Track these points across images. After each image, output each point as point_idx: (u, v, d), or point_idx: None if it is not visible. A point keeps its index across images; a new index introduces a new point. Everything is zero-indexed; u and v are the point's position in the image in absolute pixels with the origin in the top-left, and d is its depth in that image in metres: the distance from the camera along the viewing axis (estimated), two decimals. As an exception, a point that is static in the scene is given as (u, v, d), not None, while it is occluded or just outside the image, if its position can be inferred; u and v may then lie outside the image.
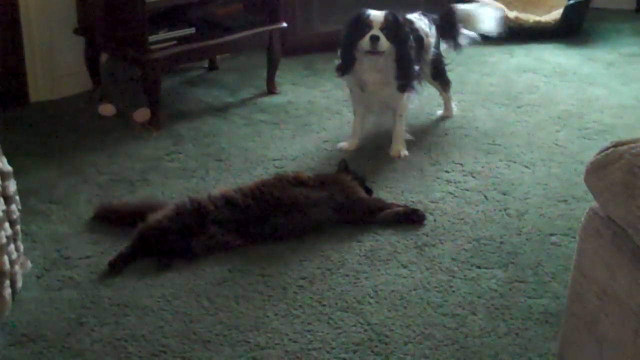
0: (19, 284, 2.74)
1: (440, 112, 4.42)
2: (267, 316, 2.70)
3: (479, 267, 2.99)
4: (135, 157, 3.90)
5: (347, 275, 2.93)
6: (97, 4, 4.29)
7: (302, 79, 5.02)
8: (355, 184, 3.37)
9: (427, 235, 3.20)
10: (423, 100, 4.32)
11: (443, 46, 4.25)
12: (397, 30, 3.76)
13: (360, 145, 4.02)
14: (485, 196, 3.52)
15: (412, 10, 4.12)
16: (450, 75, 4.40)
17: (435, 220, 3.31)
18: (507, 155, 3.91)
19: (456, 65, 4.96)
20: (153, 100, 4.21)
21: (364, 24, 3.75)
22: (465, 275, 2.93)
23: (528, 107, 4.52)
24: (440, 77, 4.29)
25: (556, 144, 4.04)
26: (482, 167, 3.79)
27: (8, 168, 2.68)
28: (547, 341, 2.57)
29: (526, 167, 3.80)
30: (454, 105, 4.42)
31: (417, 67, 3.90)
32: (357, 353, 2.52)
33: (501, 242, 3.15)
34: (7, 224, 2.60)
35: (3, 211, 2.56)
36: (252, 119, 4.39)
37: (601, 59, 5.36)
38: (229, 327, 2.63)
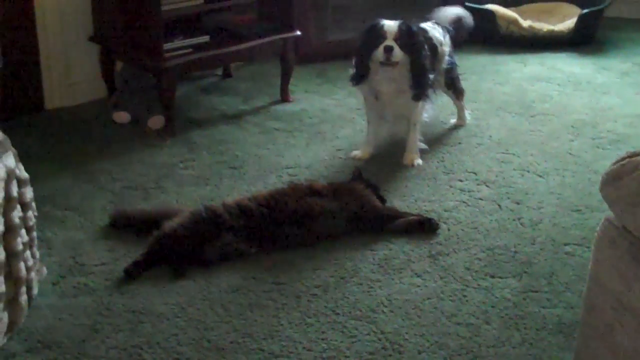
0: (35, 291, 2.76)
1: (453, 120, 4.42)
2: (281, 324, 2.70)
3: (492, 277, 2.98)
4: (149, 164, 3.91)
5: (361, 284, 2.93)
6: (113, 11, 4.32)
7: (316, 87, 5.03)
8: (368, 192, 3.37)
9: (441, 244, 3.20)
10: (437, 109, 4.33)
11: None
12: (411, 40, 3.76)
13: (373, 153, 4.03)
14: (499, 205, 3.51)
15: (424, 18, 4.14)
16: (464, 84, 4.40)
17: (449, 230, 3.31)
18: (521, 165, 3.90)
19: (470, 74, 4.98)
20: (167, 108, 4.22)
21: (378, 35, 3.75)
22: (479, 285, 2.93)
23: (541, 116, 4.52)
24: (454, 86, 4.30)
25: (570, 153, 4.03)
26: (496, 176, 3.79)
27: (25, 175, 2.70)
28: (562, 351, 2.56)
29: (540, 176, 3.79)
30: (467, 114, 4.42)
31: (431, 76, 3.90)
32: (371, 362, 2.52)
33: (515, 252, 3.15)
34: (23, 231, 2.62)
35: (20, 218, 2.58)
36: (266, 126, 4.40)
37: (615, 68, 5.36)
38: (243, 335, 2.64)
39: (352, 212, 3.24)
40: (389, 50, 3.71)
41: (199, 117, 4.52)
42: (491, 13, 5.77)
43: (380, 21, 3.79)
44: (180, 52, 4.23)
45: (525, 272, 3.01)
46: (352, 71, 3.89)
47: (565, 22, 5.85)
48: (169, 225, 3.07)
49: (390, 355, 2.55)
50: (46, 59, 4.46)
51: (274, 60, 4.90)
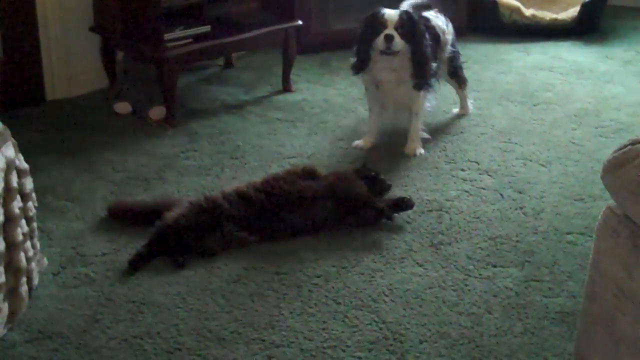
0: (35, 281, 2.76)
1: (456, 110, 4.40)
2: (282, 314, 2.69)
3: (494, 266, 2.97)
4: (150, 154, 3.91)
5: (363, 274, 2.93)
6: (114, 2, 4.31)
7: (318, 77, 5.02)
8: (354, 177, 3.35)
9: (443, 234, 3.19)
10: (439, 98, 4.31)
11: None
12: (412, 29, 3.74)
13: (375, 143, 4.02)
14: (501, 194, 3.50)
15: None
16: (467, 73, 4.39)
17: (450, 219, 3.30)
18: (523, 154, 3.89)
19: (472, 63, 4.96)
20: (169, 98, 4.22)
21: (378, 23, 3.74)
22: (480, 274, 2.92)
23: (544, 105, 4.50)
24: (456, 75, 4.28)
25: (572, 142, 4.02)
26: (498, 165, 3.77)
27: (25, 165, 2.70)
28: (564, 340, 2.55)
29: (542, 165, 3.78)
30: (470, 104, 4.41)
31: (434, 65, 3.88)
32: (372, 352, 2.51)
33: (517, 241, 3.14)
34: (23, 221, 2.62)
35: (20, 208, 2.57)
36: (268, 116, 4.39)
37: (618, 56, 5.33)
38: (244, 325, 2.64)
39: (336, 192, 3.23)
40: (389, 39, 3.69)
41: (201, 108, 4.51)
42: (494, 2, 5.75)
43: (381, 10, 3.77)
44: (181, 42, 4.22)
45: (527, 261, 3.00)
46: (352, 60, 3.88)
47: (568, 10, 5.83)
48: (170, 215, 3.06)
49: (391, 345, 2.54)
50: (47, 50, 4.44)
51: (276, 50, 4.89)
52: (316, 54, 5.34)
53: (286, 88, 4.78)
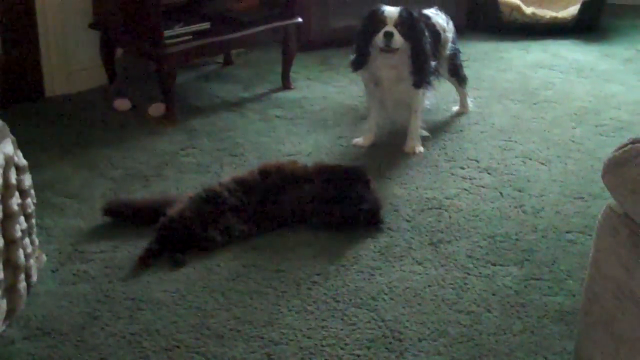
0: (34, 278, 2.75)
1: (455, 108, 4.40)
2: (281, 312, 2.69)
3: (494, 265, 2.97)
4: (150, 151, 3.90)
5: (362, 272, 2.92)
6: (113, -2, 4.30)
7: (317, 74, 5.01)
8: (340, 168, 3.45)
9: (442, 232, 3.19)
10: (439, 96, 4.31)
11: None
12: (411, 26, 3.74)
13: (375, 141, 4.01)
14: (500, 193, 3.50)
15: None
16: (467, 71, 4.38)
17: (450, 217, 3.30)
18: (523, 152, 3.89)
19: (472, 61, 4.96)
20: (168, 95, 4.21)
21: (378, 20, 3.73)
22: (480, 273, 2.92)
23: (544, 104, 4.50)
24: (456, 73, 4.27)
25: (572, 141, 4.01)
26: (498, 163, 3.77)
27: (23, 162, 2.69)
28: (563, 339, 2.55)
29: (542, 163, 3.77)
30: (469, 102, 4.40)
31: (433, 63, 3.88)
32: (371, 349, 2.51)
33: (517, 240, 3.14)
34: (22, 218, 2.61)
35: (18, 205, 2.57)
36: (267, 114, 4.38)
37: (618, 55, 5.33)
38: (242, 323, 2.63)
39: (325, 174, 3.34)
40: (388, 36, 3.69)
41: (200, 105, 4.50)
42: (494, 0, 5.74)
43: (381, 7, 3.76)
44: (181, 39, 4.20)
45: (527, 259, 3.00)
46: (352, 57, 3.88)
47: (569, 8, 5.82)
48: (174, 210, 3.07)
49: (390, 343, 2.54)
50: (46, 46, 4.44)
51: (276, 47, 4.88)
52: (316, 52, 5.33)
53: (286, 85, 4.77)
